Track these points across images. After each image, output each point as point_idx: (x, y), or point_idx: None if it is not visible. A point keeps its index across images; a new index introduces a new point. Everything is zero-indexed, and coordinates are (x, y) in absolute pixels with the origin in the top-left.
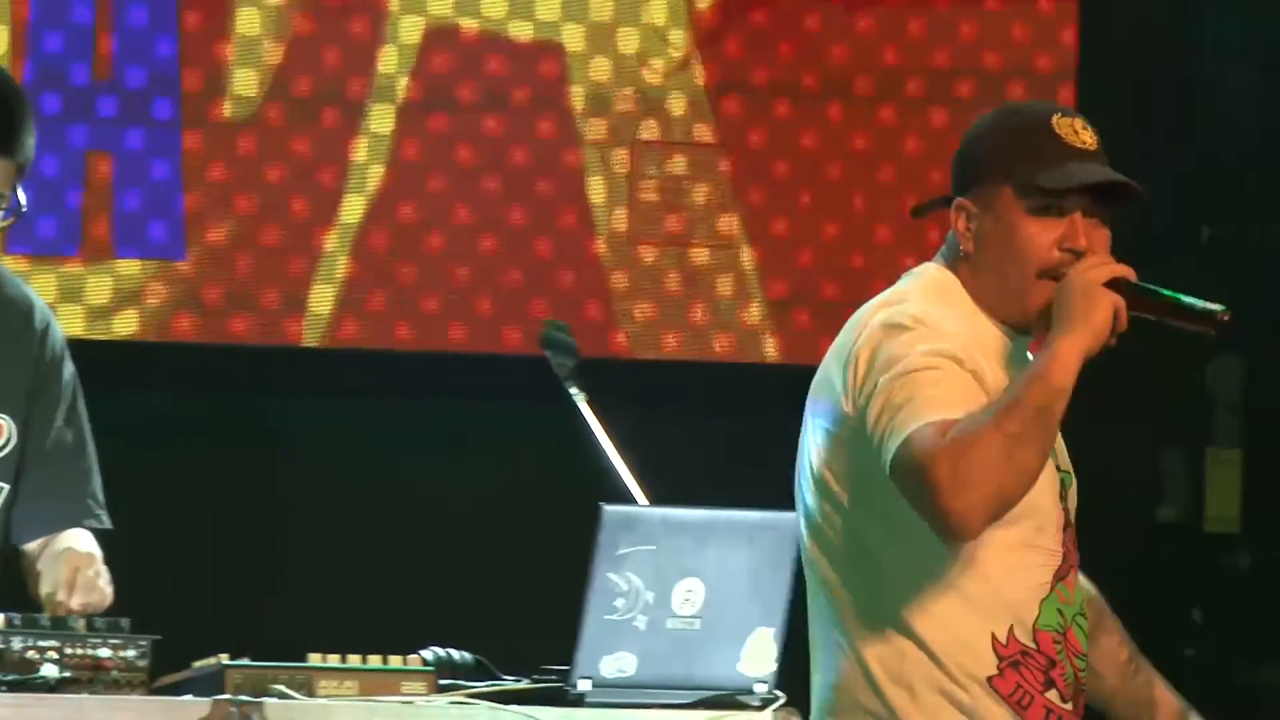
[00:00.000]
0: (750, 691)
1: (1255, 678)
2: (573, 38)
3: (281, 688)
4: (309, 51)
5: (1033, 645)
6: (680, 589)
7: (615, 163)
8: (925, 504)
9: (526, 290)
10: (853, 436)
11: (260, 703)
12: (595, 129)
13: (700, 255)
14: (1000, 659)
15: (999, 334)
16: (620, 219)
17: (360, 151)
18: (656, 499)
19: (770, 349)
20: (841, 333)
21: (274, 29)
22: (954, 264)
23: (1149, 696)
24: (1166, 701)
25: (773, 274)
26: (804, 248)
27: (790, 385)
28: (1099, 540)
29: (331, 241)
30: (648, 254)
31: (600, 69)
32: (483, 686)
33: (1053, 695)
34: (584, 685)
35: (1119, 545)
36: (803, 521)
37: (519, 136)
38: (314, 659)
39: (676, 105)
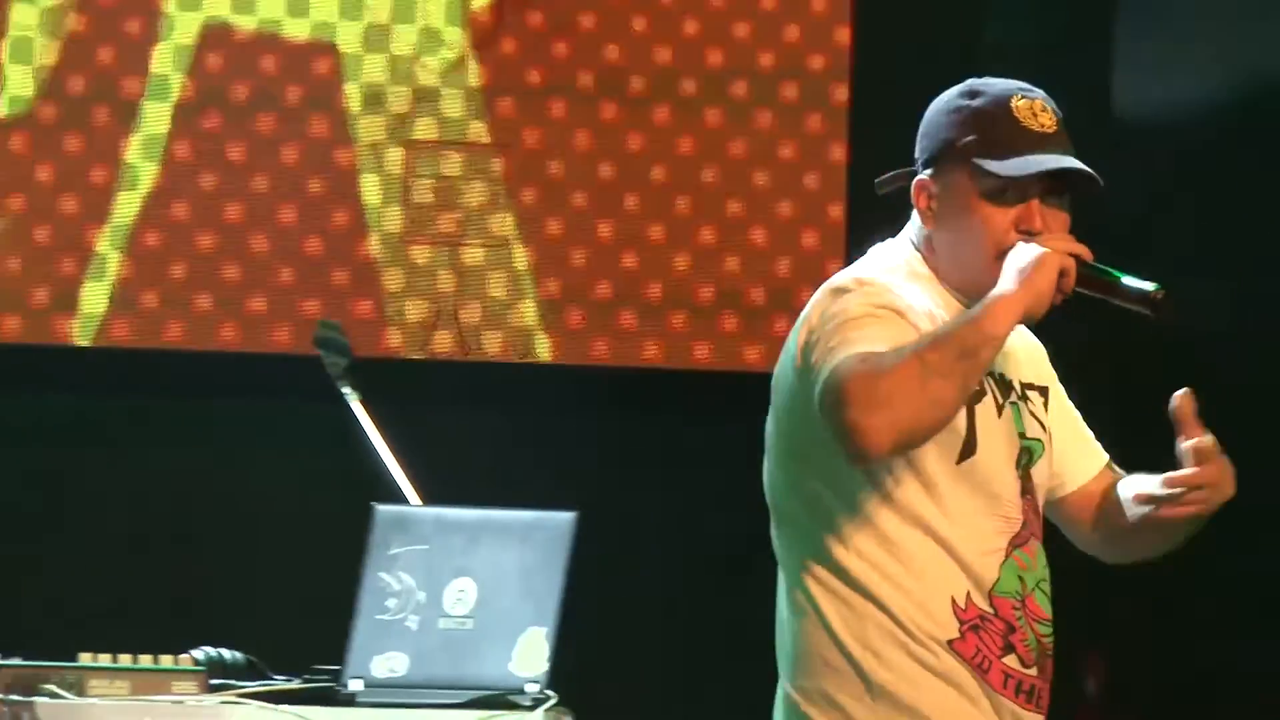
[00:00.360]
0: (522, 691)
1: None
2: (348, 37)
3: (52, 687)
4: (83, 50)
5: (990, 610)
6: (452, 589)
7: (389, 162)
8: (837, 422)
9: (298, 289)
10: (803, 398)
11: (31, 702)
12: (369, 128)
13: (473, 255)
14: (960, 623)
15: (960, 307)
16: (393, 218)
17: (133, 150)
18: (429, 499)
19: (543, 348)
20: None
21: (48, 27)
22: (918, 239)
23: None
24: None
25: (546, 274)
26: (577, 247)
27: (563, 384)
28: None
29: (103, 241)
30: (421, 254)
31: (375, 68)
32: (254, 686)
33: (1011, 660)
34: (355, 685)
35: None
36: (767, 492)
37: (291, 136)
38: (85, 658)
39: (451, 105)
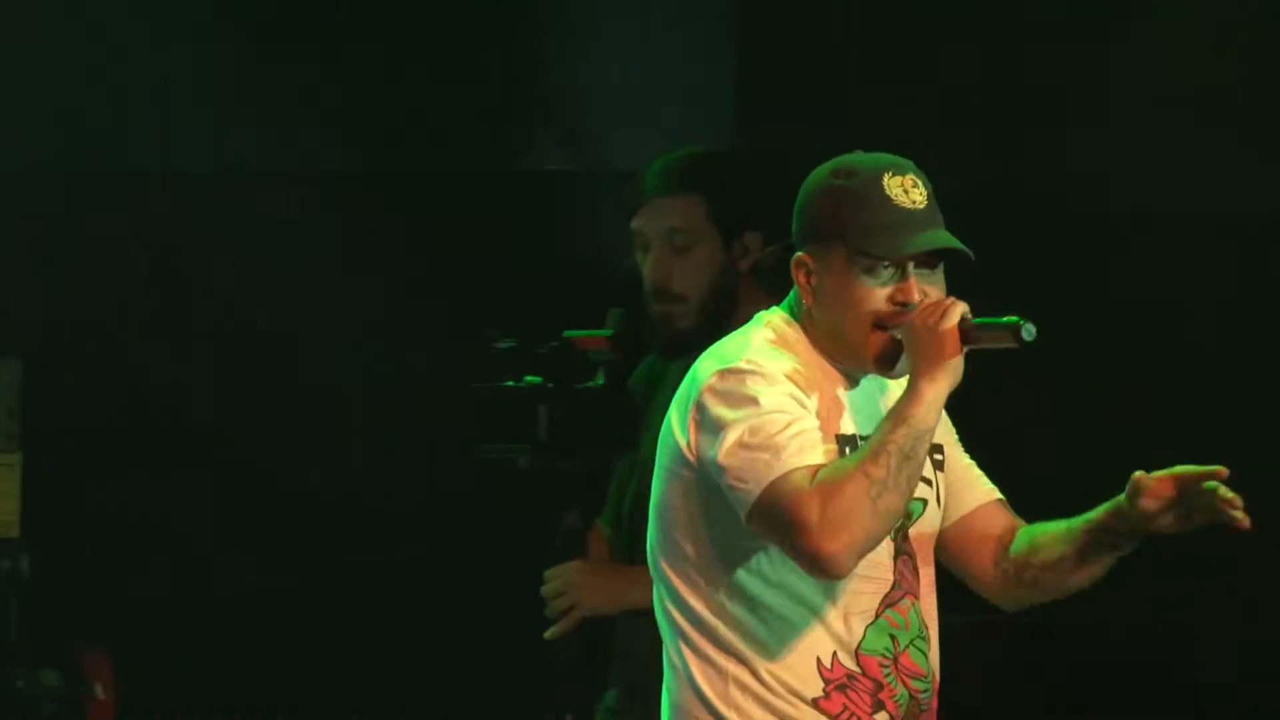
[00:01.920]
0: None
1: (33, 683)
2: None
3: None
4: None
5: (857, 669)
6: None
7: None
8: (794, 547)
9: None
10: (694, 477)
11: None
12: None
13: None
14: (826, 682)
15: (839, 376)
16: None
17: None
18: None
19: None
20: (685, 379)
21: None
22: (797, 312)
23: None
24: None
25: None
26: None
27: None
28: None
29: None
30: None
31: None
32: None
33: (881, 716)
34: None
35: None
36: (651, 549)
37: None
38: None
39: None
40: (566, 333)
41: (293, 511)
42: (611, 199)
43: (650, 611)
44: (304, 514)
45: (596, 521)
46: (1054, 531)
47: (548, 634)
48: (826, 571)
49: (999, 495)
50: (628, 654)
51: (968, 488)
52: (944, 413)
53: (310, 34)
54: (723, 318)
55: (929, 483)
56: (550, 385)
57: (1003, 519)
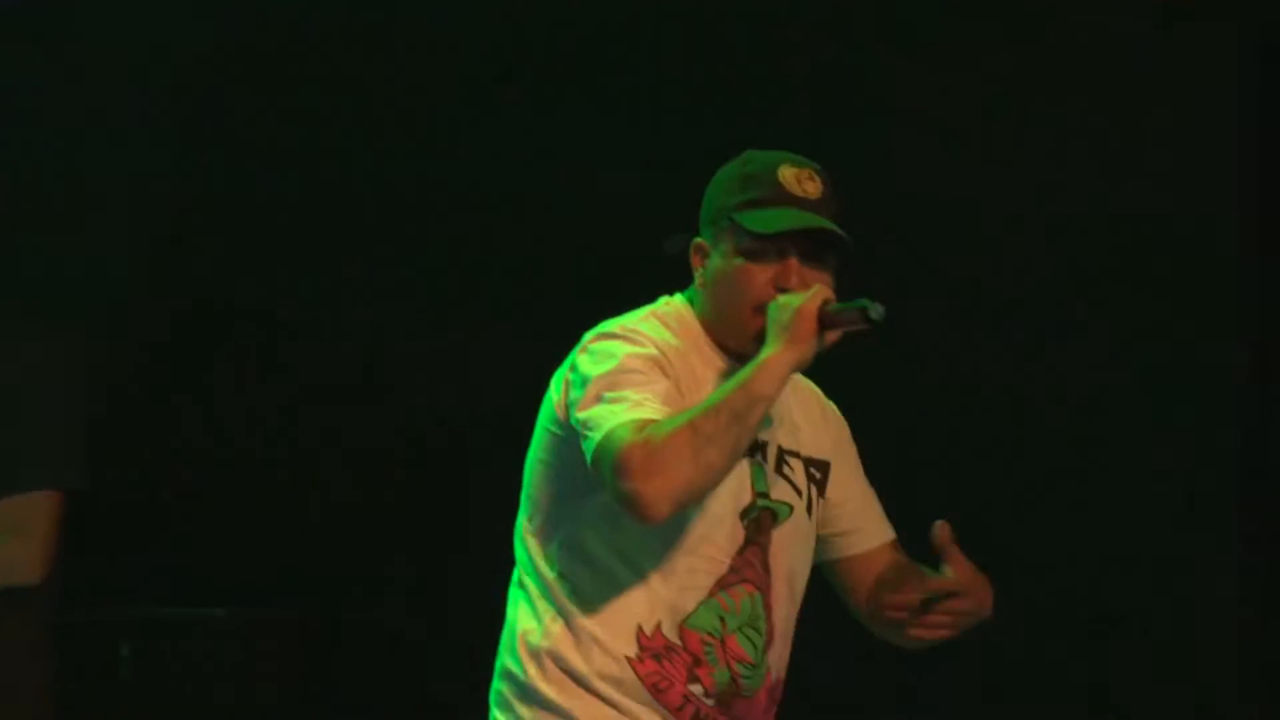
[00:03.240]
0: None
1: None
2: None
3: None
4: None
5: (678, 642)
6: None
7: None
8: (615, 488)
9: None
10: (561, 432)
11: None
12: None
13: None
14: (642, 648)
15: (722, 363)
16: None
17: None
18: None
19: None
20: None
21: None
22: (693, 295)
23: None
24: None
25: None
26: None
27: None
28: None
29: None
30: None
31: None
32: None
33: (695, 688)
34: None
35: None
36: (521, 505)
37: None
38: None
39: None
40: None
41: None
42: None
43: None
44: None
45: None
46: (884, 588)
47: None
48: (641, 513)
49: (892, 535)
50: None
51: (869, 525)
52: (848, 437)
53: None
54: None
55: (799, 492)
56: None
57: (888, 561)
